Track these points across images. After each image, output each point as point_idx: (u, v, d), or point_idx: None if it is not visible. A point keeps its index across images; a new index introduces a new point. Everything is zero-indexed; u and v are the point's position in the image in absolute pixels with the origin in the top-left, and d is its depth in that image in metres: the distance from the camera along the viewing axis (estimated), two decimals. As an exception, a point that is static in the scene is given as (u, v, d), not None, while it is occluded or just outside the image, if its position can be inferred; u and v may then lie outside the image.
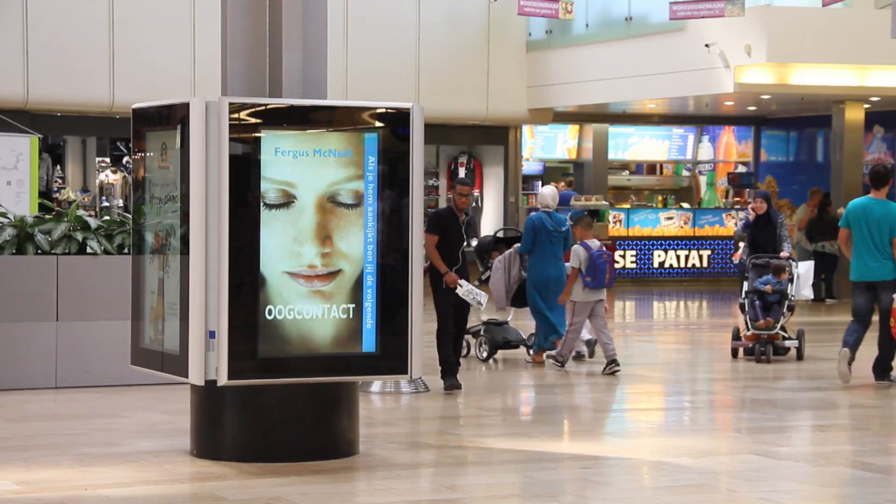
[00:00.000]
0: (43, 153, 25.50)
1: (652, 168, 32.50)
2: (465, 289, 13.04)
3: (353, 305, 9.29)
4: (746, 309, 15.94)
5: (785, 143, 31.17)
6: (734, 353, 15.87)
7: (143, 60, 24.43)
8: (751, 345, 15.69)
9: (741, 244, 17.30)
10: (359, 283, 9.29)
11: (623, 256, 28.56)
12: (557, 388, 14.14)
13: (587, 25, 26.95)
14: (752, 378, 14.21)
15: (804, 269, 16.46)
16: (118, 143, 27.66)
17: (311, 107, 9.41)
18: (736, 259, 19.46)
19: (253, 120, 9.19)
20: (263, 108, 9.28)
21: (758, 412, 12.22)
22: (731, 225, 29.75)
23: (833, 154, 26.33)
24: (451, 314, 13.13)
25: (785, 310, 15.90)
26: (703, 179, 32.22)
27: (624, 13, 26.22)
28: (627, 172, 32.40)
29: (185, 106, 9.12)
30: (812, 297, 17.88)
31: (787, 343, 15.80)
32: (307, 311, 9.16)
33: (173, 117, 9.37)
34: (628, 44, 25.94)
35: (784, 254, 16.15)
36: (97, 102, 24.57)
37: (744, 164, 31.72)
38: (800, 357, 15.71)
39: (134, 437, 10.37)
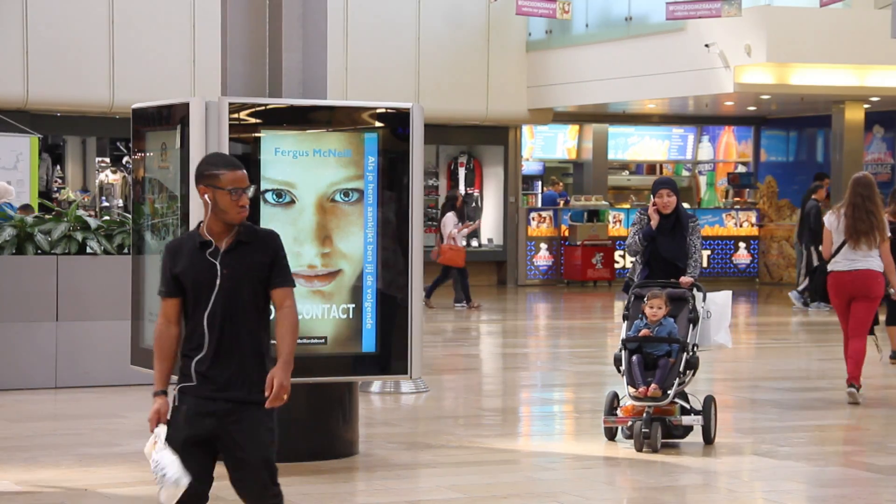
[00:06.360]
0: (43, 153, 25.49)
1: (652, 168, 32.48)
2: (157, 449, 5.83)
3: (353, 305, 9.28)
4: (623, 367, 10.31)
5: (785, 144, 31.16)
6: (609, 435, 10.40)
7: (143, 60, 24.42)
8: (630, 422, 10.15)
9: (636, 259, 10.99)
10: (359, 283, 9.29)
11: (623, 256, 28.55)
12: (557, 388, 14.15)
13: (587, 25, 26.94)
14: (752, 378, 14.19)
15: (721, 303, 10.53)
16: (118, 143, 27.64)
17: (310, 107, 9.41)
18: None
19: (253, 120, 9.19)
20: (263, 108, 9.29)
21: (758, 412, 12.22)
22: (730, 225, 29.73)
23: (833, 154, 26.32)
24: (193, 460, 5.85)
25: (682, 367, 10.20)
26: (702, 179, 32.21)
27: (624, 13, 26.22)
28: (627, 172, 32.39)
29: (185, 106, 9.12)
30: (730, 345, 10.76)
31: (686, 420, 10.21)
32: (307, 311, 9.16)
33: (173, 117, 9.37)
34: (628, 44, 25.93)
35: (685, 279, 10.51)
36: (97, 102, 24.56)
37: (744, 164, 31.71)
38: (708, 439, 10.27)
39: (134, 437, 10.36)
